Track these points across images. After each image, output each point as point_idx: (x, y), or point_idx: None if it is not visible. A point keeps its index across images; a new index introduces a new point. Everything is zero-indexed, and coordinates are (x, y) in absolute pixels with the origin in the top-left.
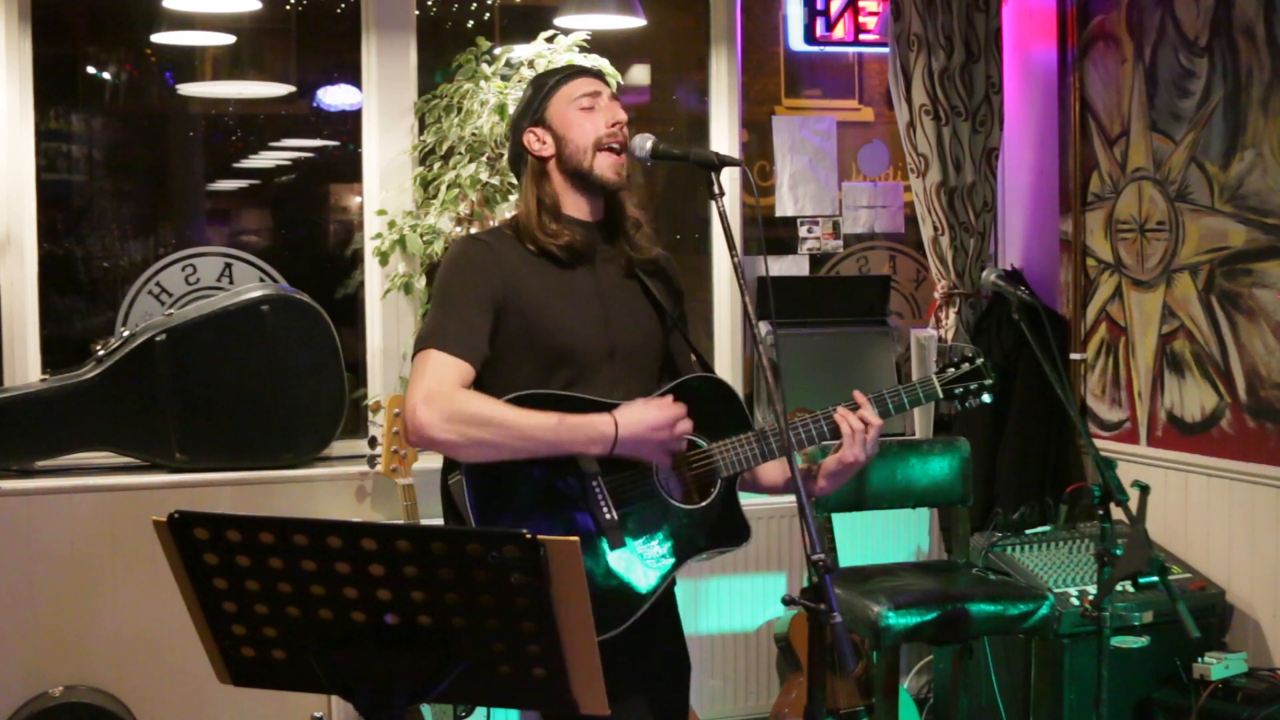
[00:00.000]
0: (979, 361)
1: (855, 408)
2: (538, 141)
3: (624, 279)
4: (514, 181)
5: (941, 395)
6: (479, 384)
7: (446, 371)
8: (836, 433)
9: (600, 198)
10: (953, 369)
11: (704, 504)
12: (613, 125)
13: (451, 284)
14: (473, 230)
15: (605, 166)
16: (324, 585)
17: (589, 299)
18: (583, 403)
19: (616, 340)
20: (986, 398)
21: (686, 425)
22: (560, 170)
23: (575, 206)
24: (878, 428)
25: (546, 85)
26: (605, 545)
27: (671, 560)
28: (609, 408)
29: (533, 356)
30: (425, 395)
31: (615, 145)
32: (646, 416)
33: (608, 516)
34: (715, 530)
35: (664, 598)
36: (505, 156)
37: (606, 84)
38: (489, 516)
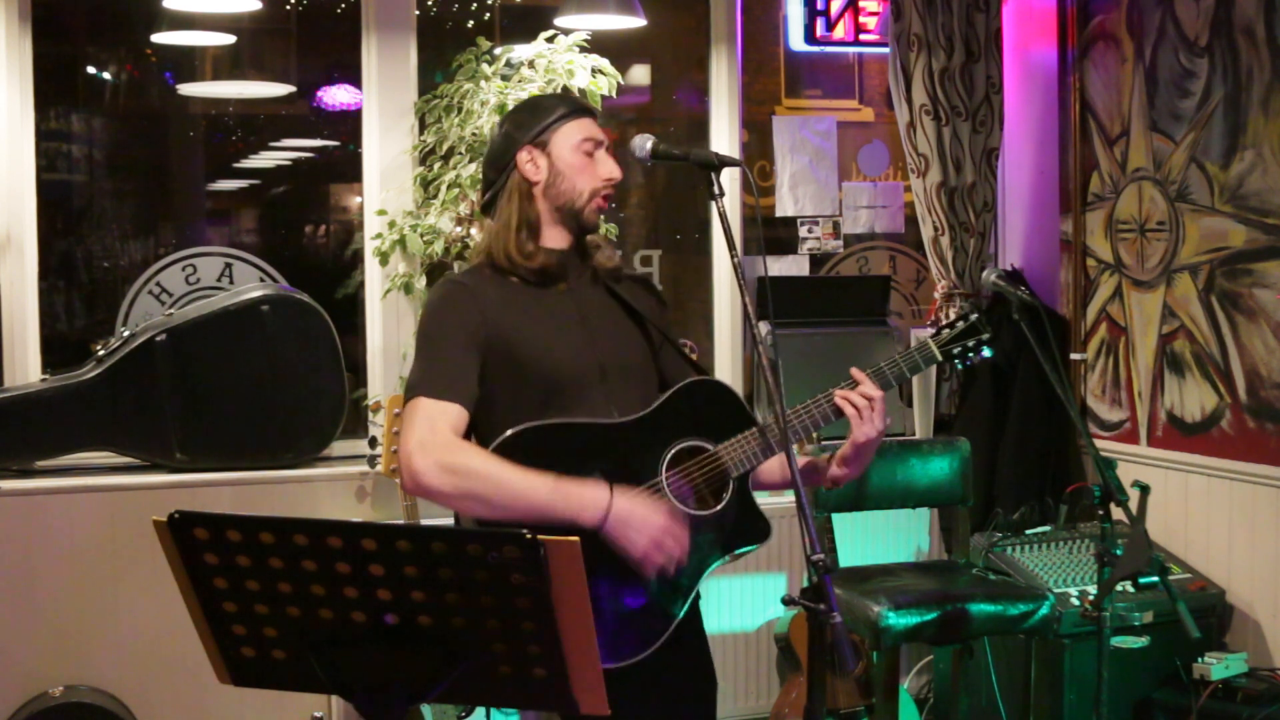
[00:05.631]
0: (973, 317)
1: (854, 385)
2: (531, 164)
3: (599, 296)
4: None
5: (940, 358)
6: (474, 422)
7: (438, 418)
8: (839, 413)
9: (578, 233)
10: (948, 329)
11: (720, 507)
12: (608, 180)
13: (433, 329)
14: (473, 230)
15: (594, 213)
16: (324, 585)
17: (571, 323)
18: (585, 428)
19: (604, 359)
20: (987, 351)
21: (679, 542)
22: (546, 199)
23: (553, 236)
24: (881, 399)
25: (554, 114)
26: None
27: (698, 569)
28: (615, 427)
29: (525, 387)
30: (418, 443)
31: (606, 197)
32: (642, 505)
33: None
34: (735, 531)
35: (691, 608)
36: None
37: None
38: None
